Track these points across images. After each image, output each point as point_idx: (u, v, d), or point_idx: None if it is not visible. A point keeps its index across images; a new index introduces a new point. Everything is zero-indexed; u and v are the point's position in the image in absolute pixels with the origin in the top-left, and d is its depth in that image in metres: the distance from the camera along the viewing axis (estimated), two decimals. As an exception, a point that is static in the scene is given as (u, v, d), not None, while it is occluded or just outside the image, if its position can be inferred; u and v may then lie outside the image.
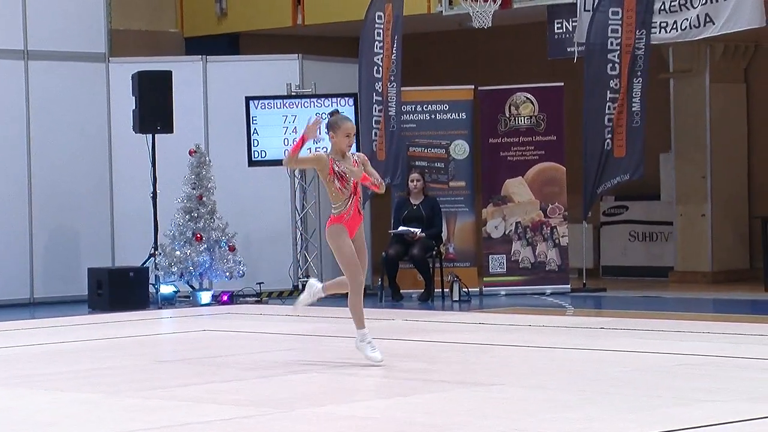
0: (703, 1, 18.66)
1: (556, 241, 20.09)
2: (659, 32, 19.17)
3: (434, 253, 19.48)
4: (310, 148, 12.26)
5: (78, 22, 20.83)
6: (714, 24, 18.70)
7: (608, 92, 19.37)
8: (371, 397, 10.75)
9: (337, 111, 12.36)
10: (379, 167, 19.84)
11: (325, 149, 12.10)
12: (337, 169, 11.70)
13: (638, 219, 22.06)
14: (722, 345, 13.57)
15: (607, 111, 19.39)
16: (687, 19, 18.92)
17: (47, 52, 20.40)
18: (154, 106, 19.61)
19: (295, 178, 20.92)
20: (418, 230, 19.35)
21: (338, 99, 20.49)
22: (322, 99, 20.64)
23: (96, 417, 10.16)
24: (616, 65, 19.30)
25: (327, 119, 12.17)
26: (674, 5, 18.99)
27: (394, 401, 10.43)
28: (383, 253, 19.82)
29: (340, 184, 11.76)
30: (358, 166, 11.82)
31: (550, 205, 20.11)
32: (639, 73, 19.29)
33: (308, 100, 20.68)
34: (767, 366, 12.03)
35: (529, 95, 20.31)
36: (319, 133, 11.91)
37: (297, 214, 20.98)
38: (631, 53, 19.21)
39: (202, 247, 19.50)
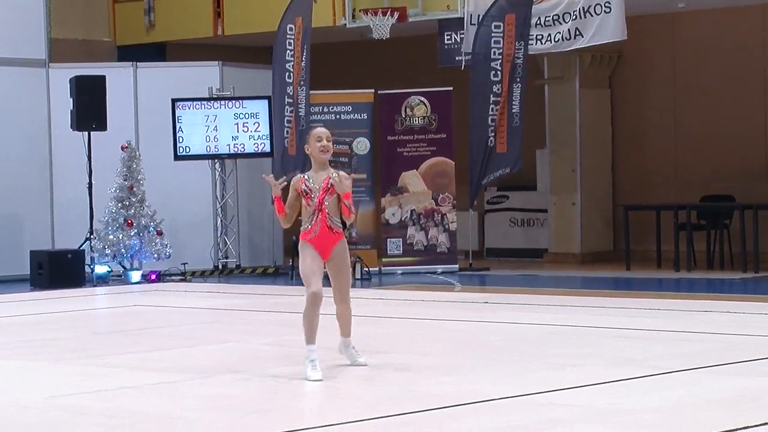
0: (573, 17, 18.89)
1: (446, 226, 20.23)
2: (535, 44, 19.35)
3: (338, 237, 19.60)
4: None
5: (20, 30, 20.71)
6: (583, 37, 18.92)
7: (491, 96, 19.47)
8: (283, 364, 10.76)
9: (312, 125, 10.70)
10: (290, 161, 20.01)
11: (301, 174, 10.26)
12: (304, 187, 9.96)
13: (517, 207, 22.23)
14: (589, 317, 13.76)
15: (490, 112, 19.49)
16: (559, 33, 19.11)
17: (4, 59, 20.32)
18: (89, 107, 19.58)
19: (216, 171, 20.94)
20: (324, 217, 19.44)
21: (254, 101, 20.57)
22: (240, 101, 20.71)
23: (38, 382, 10.17)
24: (498, 72, 19.40)
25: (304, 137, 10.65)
26: (548, 20, 19.17)
27: (283, 370, 10.33)
28: (294, 237, 19.85)
29: (304, 201, 9.98)
30: (331, 186, 9.95)
31: (441, 195, 20.23)
32: (518, 80, 19.43)
33: (227, 102, 20.73)
34: (627, 334, 12.17)
35: (422, 98, 20.44)
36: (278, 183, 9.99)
37: (217, 203, 21.02)
38: (511, 62, 19.33)
39: (133, 232, 19.48)
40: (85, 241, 19.70)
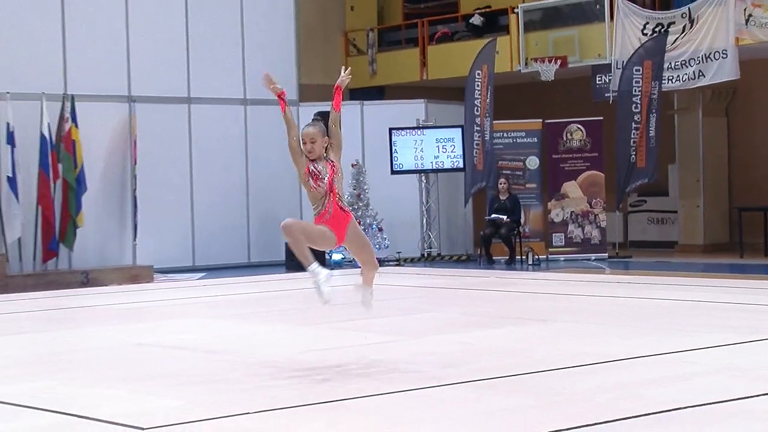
0: (697, 62, 18.65)
1: (598, 224, 20.10)
2: (667, 83, 19.12)
3: (515, 232, 19.61)
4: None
5: (276, 78, 21.04)
6: (705, 77, 18.67)
7: (633, 123, 19.32)
8: (472, 329, 10.80)
9: (315, 116, 9.02)
10: (477, 175, 20.05)
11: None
12: (312, 168, 8.45)
13: (653, 209, 21.95)
14: (711, 294, 13.55)
15: (632, 136, 19.34)
16: (686, 74, 18.87)
17: (260, 100, 20.68)
18: (328, 135, 19.90)
19: (422, 182, 21.07)
20: (504, 217, 19.48)
21: (450, 129, 20.65)
22: (440, 129, 20.81)
23: (290, 341, 10.34)
24: (638, 105, 19.23)
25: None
26: (677, 64, 18.94)
27: (489, 332, 10.44)
28: (481, 233, 19.94)
29: (313, 182, 8.41)
30: (336, 168, 8.50)
31: (594, 200, 20.11)
32: (654, 111, 19.26)
33: (431, 129, 20.86)
34: (742, 308, 12.00)
35: (579, 126, 20.34)
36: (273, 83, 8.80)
37: (423, 206, 21.16)
38: (648, 97, 19.15)
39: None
40: (325, 235, 19.98)
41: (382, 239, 19.85)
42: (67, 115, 17.91)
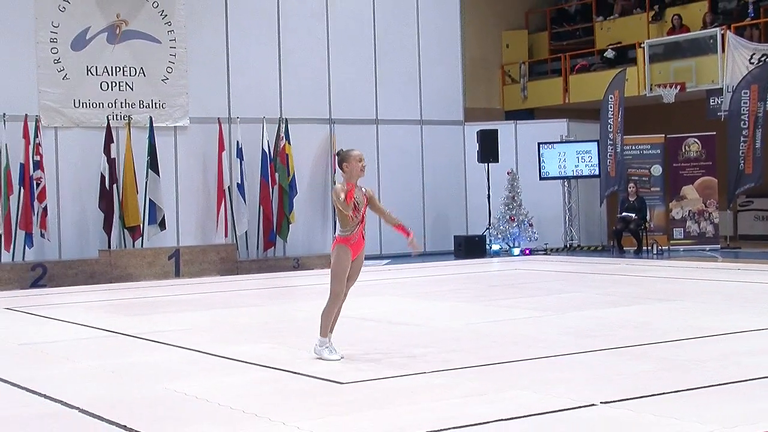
0: (797, 86, 18.10)
1: (712, 220, 19.61)
2: (771, 103, 18.61)
3: (642, 227, 19.29)
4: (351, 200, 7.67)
5: (445, 104, 21.16)
6: (803, 98, 18.10)
7: (741, 137, 18.78)
8: (609, 307, 10.71)
9: (342, 150, 7.82)
10: (611, 181, 19.75)
11: (341, 183, 7.74)
12: (355, 201, 7.66)
13: (760, 208, 21.27)
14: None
15: (741, 148, 18.80)
16: (787, 96, 18.34)
17: (434, 120, 20.80)
18: (488, 148, 19.87)
19: (564, 186, 20.88)
20: (633, 215, 19.19)
21: (588, 143, 20.43)
22: (579, 143, 20.58)
23: (459, 315, 10.36)
24: (746, 122, 18.68)
25: (338, 158, 7.80)
26: (779, 88, 18.43)
27: (621, 309, 10.35)
28: (614, 228, 19.68)
29: (353, 212, 7.64)
30: (367, 196, 7.84)
31: (708, 200, 19.63)
32: (759, 126, 18.67)
33: (572, 143, 20.66)
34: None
35: (696, 140, 19.87)
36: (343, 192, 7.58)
37: (566, 206, 20.96)
38: (755, 115, 18.59)
39: (515, 224, 19.69)
40: (485, 230, 20.00)
41: (532, 233, 19.76)
42: (282, 134, 18.33)
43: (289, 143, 18.28)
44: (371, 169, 19.91)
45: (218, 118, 17.94)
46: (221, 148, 17.75)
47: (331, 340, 7.75)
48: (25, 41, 16.65)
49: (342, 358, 7.59)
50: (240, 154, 17.83)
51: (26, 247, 16.00)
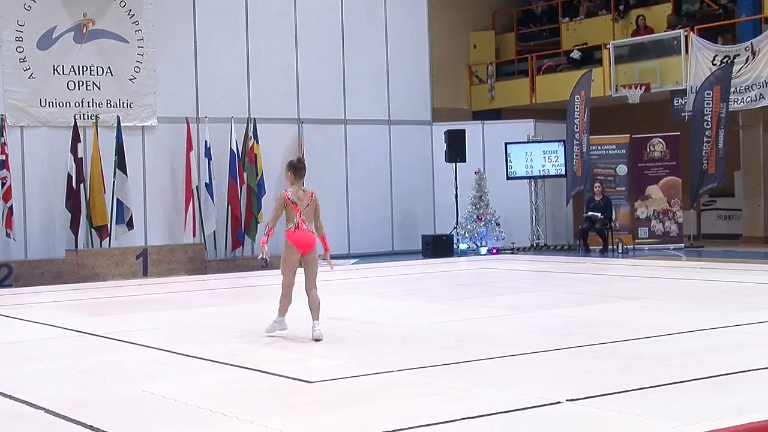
0: (758, 86, 18.21)
1: (676, 220, 19.75)
2: (733, 104, 18.64)
3: (608, 226, 19.39)
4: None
5: (413, 103, 21.14)
6: (765, 99, 18.20)
7: (704, 138, 18.88)
8: (580, 305, 10.74)
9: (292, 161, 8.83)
10: (577, 181, 19.87)
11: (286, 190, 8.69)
12: (291, 197, 8.66)
13: (722, 207, 21.47)
14: (768, 278, 13.31)
15: (704, 148, 18.90)
16: (749, 97, 18.42)
17: (402, 120, 20.78)
18: (455, 148, 19.87)
19: (531, 186, 20.93)
20: (599, 214, 19.28)
21: (554, 143, 20.49)
22: (546, 143, 20.65)
23: (422, 315, 10.37)
24: (709, 122, 18.78)
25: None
26: (741, 89, 18.48)
27: (588, 308, 10.34)
28: (580, 227, 19.79)
29: (293, 209, 8.67)
30: (312, 200, 8.72)
31: (672, 200, 19.75)
32: (722, 127, 18.77)
33: (538, 143, 20.72)
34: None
35: (660, 140, 20.00)
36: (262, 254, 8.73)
37: (532, 205, 21.01)
38: (717, 116, 18.71)
39: (482, 224, 19.73)
40: (453, 229, 20.02)
41: (499, 232, 19.81)
42: (251, 134, 18.28)
43: (257, 143, 18.24)
44: (340, 168, 19.94)
45: (186, 118, 17.86)
46: (189, 147, 17.68)
47: (284, 320, 8.82)
48: (-10, 40, 16.52)
49: (286, 329, 8.72)
50: (208, 153, 17.77)
51: (-9, 246, 15.88)
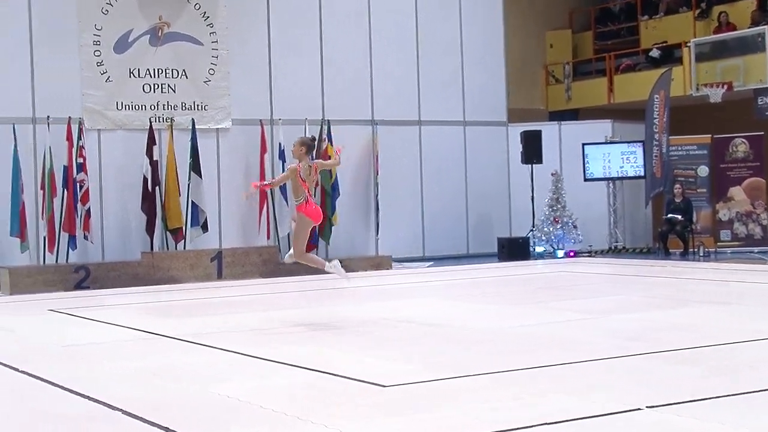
0: None
1: (760, 222, 19.37)
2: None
3: (689, 229, 19.09)
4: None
5: (487, 104, 21.06)
6: None
7: (790, 137, 18.62)
8: (660, 309, 10.58)
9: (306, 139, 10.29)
10: (656, 182, 19.59)
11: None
12: (302, 174, 9.87)
13: (809, 209, 21.06)
14: None
15: (790, 148, 18.65)
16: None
17: (477, 121, 20.73)
18: (532, 149, 19.78)
19: (609, 188, 20.70)
20: (679, 216, 18.99)
21: (633, 144, 20.23)
22: (624, 143, 20.40)
23: (493, 318, 10.34)
24: (795, 122, 18.53)
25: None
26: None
27: (667, 312, 10.21)
28: (659, 229, 19.49)
29: (301, 184, 9.91)
30: (316, 174, 10.04)
31: (756, 201, 19.41)
32: (809, 126, 18.48)
33: (616, 144, 20.50)
34: None
35: (743, 140, 19.66)
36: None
37: (611, 208, 20.76)
38: (804, 115, 18.42)
39: (559, 226, 19.57)
40: (529, 232, 19.90)
41: (576, 235, 19.62)
42: (324, 135, 18.36)
43: (331, 145, 18.29)
44: (414, 170, 19.91)
45: (260, 120, 18.01)
46: (263, 149, 17.82)
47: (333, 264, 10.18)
48: (68, 44, 16.83)
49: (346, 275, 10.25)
50: (282, 155, 17.88)
51: (70, 249, 16.17)
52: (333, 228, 18.25)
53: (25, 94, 16.54)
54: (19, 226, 15.79)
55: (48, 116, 16.26)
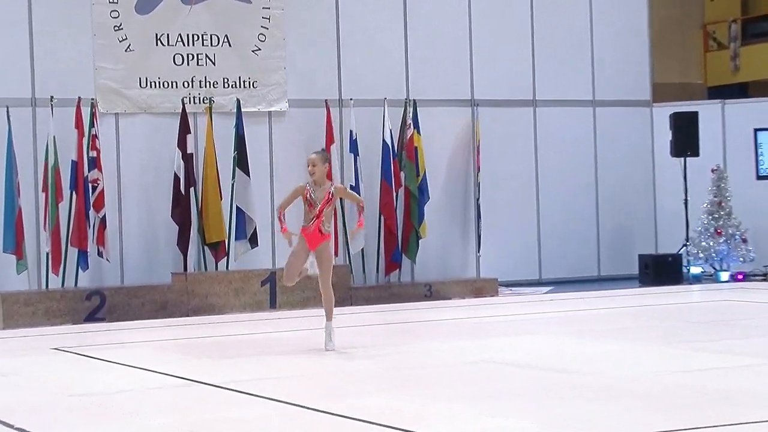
0: None
1: None
2: None
3: None
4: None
5: (627, 78, 20.88)
6: None
7: None
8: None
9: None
10: None
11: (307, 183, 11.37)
12: (309, 197, 11.25)
13: None
14: None
15: None
16: None
17: (611, 101, 20.56)
18: (685, 138, 19.55)
19: (790, 188, 20.42)
20: None
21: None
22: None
23: (643, 361, 10.20)
24: None
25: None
26: None
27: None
28: None
29: (308, 207, 11.24)
30: (332, 197, 11.27)
31: None
32: None
33: (800, 130, 20.21)
34: None
35: None
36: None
37: (792, 214, 20.47)
38: None
39: (722, 240, 19.29)
40: (682, 247, 19.64)
41: (746, 251, 19.32)
42: (409, 121, 18.34)
43: (418, 132, 18.28)
44: (526, 164, 19.83)
45: (326, 101, 18.08)
46: (330, 139, 17.86)
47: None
48: (77, 3, 17.09)
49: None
50: (354, 147, 17.94)
51: (79, 269, 16.35)
52: (420, 242, 18.24)
53: (22, 69, 16.82)
54: (14, 240, 16.02)
55: (51, 97, 16.50)
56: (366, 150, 18.12)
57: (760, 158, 20.06)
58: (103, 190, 16.48)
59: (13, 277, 16.17)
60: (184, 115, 16.98)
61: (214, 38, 17.75)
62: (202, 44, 17.68)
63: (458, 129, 19.28)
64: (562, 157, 20.14)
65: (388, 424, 7.50)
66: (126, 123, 17.31)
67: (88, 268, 16.41)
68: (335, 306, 11.39)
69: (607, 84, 20.63)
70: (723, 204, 19.45)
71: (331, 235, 11.51)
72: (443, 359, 10.64)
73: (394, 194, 18.10)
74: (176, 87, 17.47)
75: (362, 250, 18.01)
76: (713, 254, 19.37)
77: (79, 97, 16.59)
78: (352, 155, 17.91)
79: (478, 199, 19.01)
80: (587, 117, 20.50)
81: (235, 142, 17.25)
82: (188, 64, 17.58)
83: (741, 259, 19.34)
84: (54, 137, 16.24)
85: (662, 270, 19.06)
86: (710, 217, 19.42)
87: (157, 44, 17.46)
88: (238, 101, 17.45)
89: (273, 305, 16.68)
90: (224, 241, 17.03)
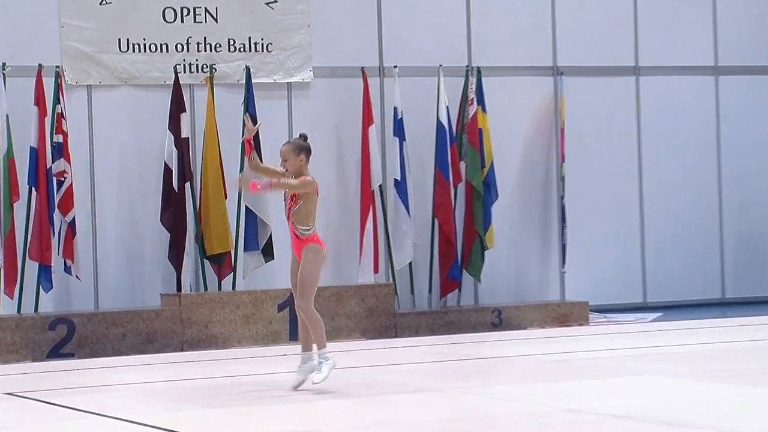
0: None
1: None
2: None
3: None
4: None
5: (758, 38, 20.74)
6: None
7: None
8: None
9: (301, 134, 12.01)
10: None
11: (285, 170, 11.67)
12: (284, 193, 11.73)
13: None
14: None
15: None
16: None
17: (738, 67, 20.47)
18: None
19: None
20: None
21: None
22: None
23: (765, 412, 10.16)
24: None
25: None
26: None
27: None
28: None
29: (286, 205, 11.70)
30: (297, 194, 11.54)
31: None
32: None
33: None
34: None
35: None
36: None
37: None
38: None
39: None
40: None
41: None
42: (472, 95, 18.34)
43: (483, 110, 18.27)
44: (627, 148, 19.76)
45: (362, 69, 18.13)
46: (368, 119, 17.89)
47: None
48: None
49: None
50: (399, 129, 17.99)
51: (41, 289, 16.40)
52: (486, 254, 18.17)
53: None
54: (-44, 251, 16.10)
55: (3, 64, 16.56)
56: (415, 133, 18.13)
57: None
58: (71, 186, 16.51)
59: (-45, 301, 16.23)
60: (177, 88, 17.08)
61: (217, -13, 17.77)
62: (201, -5, 17.70)
63: (536, 105, 19.39)
64: (673, 141, 20.19)
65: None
66: (101, 98, 17.41)
67: (52, 287, 16.47)
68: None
69: (734, 45, 20.57)
70: None
71: (313, 239, 11.65)
72: (517, 409, 10.51)
73: (453, 191, 18.14)
74: (167, 51, 17.56)
75: (410, 264, 17.97)
76: None
77: (40, 65, 16.71)
78: (397, 140, 17.99)
79: (562, 198, 19.03)
80: (709, 88, 20.48)
81: (243, 123, 17.22)
82: (183, 21, 17.67)
83: None
84: (6, 116, 16.33)
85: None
86: None
87: (141, -4, 17.48)
88: (248, 69, 17.49)
89: (293, 336, 16.58)
90: (230, 252, 17.08)
